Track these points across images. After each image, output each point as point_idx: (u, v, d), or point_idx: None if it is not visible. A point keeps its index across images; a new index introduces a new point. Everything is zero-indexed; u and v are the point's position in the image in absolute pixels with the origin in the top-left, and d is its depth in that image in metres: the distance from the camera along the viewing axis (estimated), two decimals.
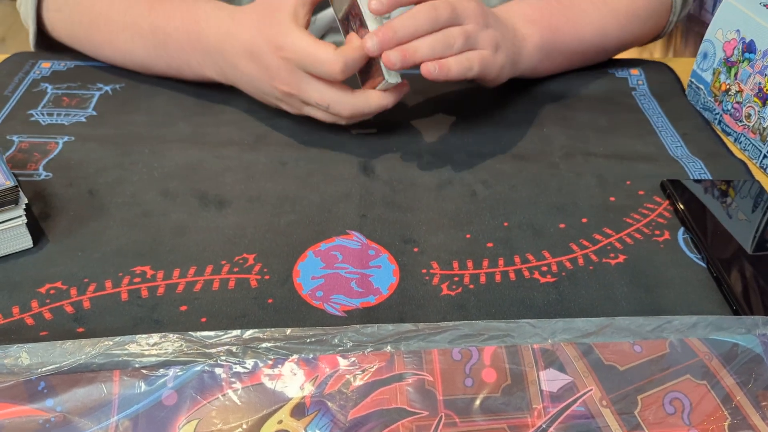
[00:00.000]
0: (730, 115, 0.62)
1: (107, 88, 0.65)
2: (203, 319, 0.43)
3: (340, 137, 0.60)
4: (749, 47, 0.60)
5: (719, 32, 0.63)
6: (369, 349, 0.39)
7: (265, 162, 0.57)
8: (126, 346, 0.39)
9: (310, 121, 0.62)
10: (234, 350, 0.39)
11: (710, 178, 0.57)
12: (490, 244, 0.49)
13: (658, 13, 0.71)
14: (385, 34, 0.51)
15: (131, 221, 0.50)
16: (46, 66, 0.68)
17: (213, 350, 0.39)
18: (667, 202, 0.54)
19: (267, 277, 0.46)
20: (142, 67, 0.64)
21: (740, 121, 0.61)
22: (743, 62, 0.60)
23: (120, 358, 0.39)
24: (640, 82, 0.70)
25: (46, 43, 0.70)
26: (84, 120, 0.61)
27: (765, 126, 0.58)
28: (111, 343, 0.39)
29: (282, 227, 0.50)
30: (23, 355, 0.38)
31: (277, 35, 0.53)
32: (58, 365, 0.38)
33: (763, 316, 0.41)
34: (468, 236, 0.50)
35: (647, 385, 0.39)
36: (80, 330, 0.42)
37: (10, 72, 0.67)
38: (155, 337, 0.39)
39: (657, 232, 0.51)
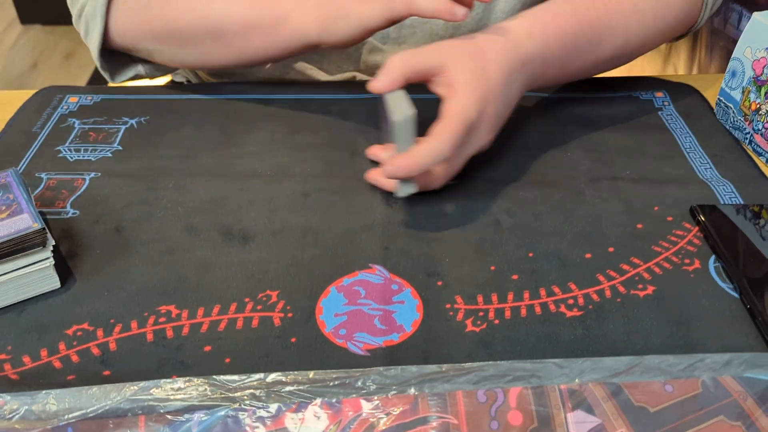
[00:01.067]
0: (761, 135, 0.61)
1: (132, 121, 0.66)
2: (227, 360, 0.43)
3: (362, 167, 0.60)
4: None
5: (748, 50, 0.62)
6: (393, 392, 0.39)
7: (287, 194, 0.57)
8: (151, 391, 0.39)
9: (331, 151, 0.62)
10: (257, 394, 0.39)
11: (741, 201, 0.55)
12: (515, 276, 0.49)
13: (686, 14, 0.67)
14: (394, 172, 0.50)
15: (156, 259, 0.51)
16: (73, 101, 0.69)
17: (237, 394, 0.39)
18: (697, 228, 0.53)
19: (290, 314, 0.46)
20: (221, 35, 0.62)
21: None
22: None
23: (145, 403, 0.39)
24: (666, 104, 0.69)
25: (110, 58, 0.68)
26: (110, 155, 0.62)
27: None
28: (136, 388, 0.39)
29: (305, 261, 0.50)
30: (51, 401, 0.39)
31: None
32: (84, 411, 0.38)
33: None
34: (492, 268, 0.49)
35: (680, 426, 0.37)
36: (106, 373, 0.42)
37: (38, 108, 0.68)
38: (179, 382, 0.40)
39: (687, 261, 0.50)
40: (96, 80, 0.65)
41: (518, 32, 0.56)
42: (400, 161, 0.50)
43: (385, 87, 0.51)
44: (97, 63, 0.68)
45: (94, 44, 0.66)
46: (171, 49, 0.65)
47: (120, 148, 0.63)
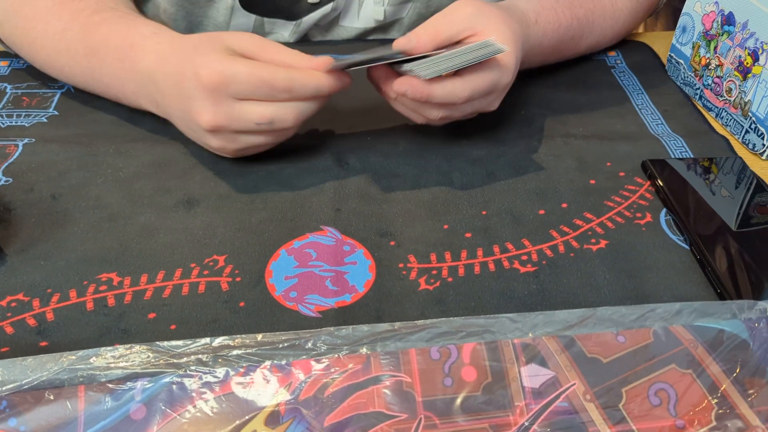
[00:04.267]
0: (711, 90, 0.61)
1: (69, 85, 0.63)
2: (173, 327, 0.42)
3: (313, 129, 0.58)
4: (728, 20, 0.58)
5: (697, 5, 0.62)
6: (344, 352, 0.38)
7: (234, 157, 0.55)
8: (90, 360, 0.37)
9: None
10: (204, 359, 0.38)
11: (692, 155, 0.56)
12: (468, 234, 0.48)
13: (650, 5, 0.70)
14: (421, 93, 0.48)
15: (96, 226, 0.48)
16: (4, 65, 0.65)
17: (182, 360, 0.38)
18: (649, 182, 0.53)
19: (238, 279, 0.45)
20: (85, 89, 0.59)
21: (721, 96, 0.60)
22: (722, 35, 0.59)
23: (84, 373, 0.37)
24: (619, 62, 0.68)
25: None
26: (45, 120, 0.59)
27: (746, 100, 0.57)
28: (74, 357, 0.37)
29: (253, 225, 0.49)
30: None
31: (207, 61, 0.47)
32: (19, 383, 0.36)
33: (749, 300, 0.40)
34: (445, 227, 0.49)
35: (631, 376, 0.37)
36: (43, 344, 0.40)
37: None
38: (121, 349, 0.38)
39: (639, 215, 0.50)
40: None
41: (529, 16, 0.57)
42: (418, 85, 0.48)
43: (413, 51, 0.49)
44: None
45: None
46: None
47: (56, 113, 0.60)
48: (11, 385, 0.36)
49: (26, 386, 0.36)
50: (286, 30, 0.70)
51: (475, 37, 0.51)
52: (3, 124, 0.58)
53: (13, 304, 0.42)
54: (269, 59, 0.48)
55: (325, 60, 0.48)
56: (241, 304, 0.43)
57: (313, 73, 0.48)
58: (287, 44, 0.69)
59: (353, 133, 0.58)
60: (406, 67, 0.48)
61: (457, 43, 0.51)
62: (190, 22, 0.69)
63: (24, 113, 0.59)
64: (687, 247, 0.47)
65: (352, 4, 0.69)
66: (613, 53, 0.70)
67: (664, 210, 0.50)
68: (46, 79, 0.63)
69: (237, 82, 0.46)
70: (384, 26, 0.71)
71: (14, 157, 0.54)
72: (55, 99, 0.61)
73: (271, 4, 0.67)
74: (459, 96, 0.49)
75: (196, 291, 0.44)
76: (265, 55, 0.48)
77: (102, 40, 0.53)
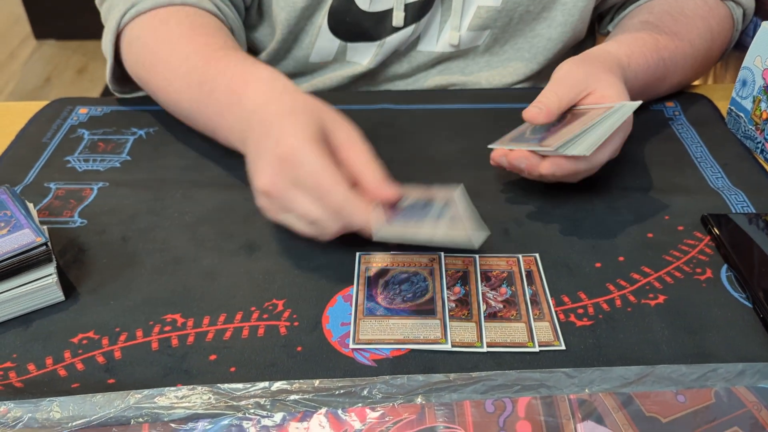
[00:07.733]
0: None
1: (141, 132, 0.66)
2: (232, 369, 0.43)
3: None
4: None
5: (758, 59, 0.61)
6: (399, 401, 0.38)
7: None
8: (155, 399, 0.39)
9: None
10: (262, 403, 0.39)
11: (753, 210, 0.55)
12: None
13: (726, 44, 0.72)
14: (569, 170, 0.52)
15: (162, 268, 0.50)
16: (83, 112, 0.70)
17: (241, 403, 0.39)
18: (709, 237, 0.52)
19: (296, 323, 0.46)
20: (187, 119, 0.62)
21: None
22: None
23: (149, 411, 0.39)
24: (677, 113, 0.68)
25: (123, 78, 0.69)
26: (118, 165, 0.62)
27: None
28: (140, 396, 0.39)
29: (312, 271, 0.50)
30: (54, 409, 0.39)
31: (292, 132, 0.46)
32: (88, 419, 0.38)
33: None
34: None
35: None
36: (111, 381, 0.42)
37: (48, 118, 0.69)
38: (184, 390, 0.39)
39: (698, 270, 0.49)
40: (108, 94, 0.65)
41: (622, 60, 0.60)
42: (565, 165, 0.52)
43: (544, 121, 0.53)
44: (110, 85, 0.69)
45: (107, 73, 0.67)
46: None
47: (128, 158, 0.63)
48: (81, 421, 0.38)
49: (95, 422, 0.38)
50: (367, 55, 0.72)
51: (591, 96, 0.55)
52: (80, 168, 0.61)
53: (84, 342, 0.45)
54: (347, 158, 0.47)
55: (392, 192, 0.46)
56: (299, 348, 0.44)
57: (366, 208, 0.45)
58: (367, 72, 0.73)
59: (409, 179, 0.59)
60: (552, 148, 0.51)
61: (575, 105, 0.55)
62: (281, 48, 0.73)
63: (99, 158, 0.63)
64: (750, 305, 0.46)
65: (432, 28, 0.71)
66: (671, 104, 0.69)
67: (725, 266, 0.49)
68: (120, 126, 0.67)
69: (300, 171, 0.45)
70: (460, 53, 0.73)
71: (89, 200, 0.57)
72: (128, 145, 0.65)
73: (357, 29, 0.70)
74: (601, 161, 0.54)
75: (255, 334, 0.45)
76: (346, 153, 0.47)
77: (220, 70, 0.55)
